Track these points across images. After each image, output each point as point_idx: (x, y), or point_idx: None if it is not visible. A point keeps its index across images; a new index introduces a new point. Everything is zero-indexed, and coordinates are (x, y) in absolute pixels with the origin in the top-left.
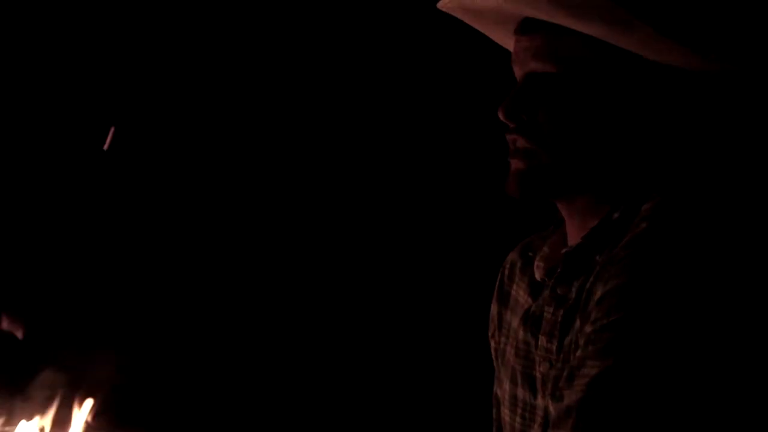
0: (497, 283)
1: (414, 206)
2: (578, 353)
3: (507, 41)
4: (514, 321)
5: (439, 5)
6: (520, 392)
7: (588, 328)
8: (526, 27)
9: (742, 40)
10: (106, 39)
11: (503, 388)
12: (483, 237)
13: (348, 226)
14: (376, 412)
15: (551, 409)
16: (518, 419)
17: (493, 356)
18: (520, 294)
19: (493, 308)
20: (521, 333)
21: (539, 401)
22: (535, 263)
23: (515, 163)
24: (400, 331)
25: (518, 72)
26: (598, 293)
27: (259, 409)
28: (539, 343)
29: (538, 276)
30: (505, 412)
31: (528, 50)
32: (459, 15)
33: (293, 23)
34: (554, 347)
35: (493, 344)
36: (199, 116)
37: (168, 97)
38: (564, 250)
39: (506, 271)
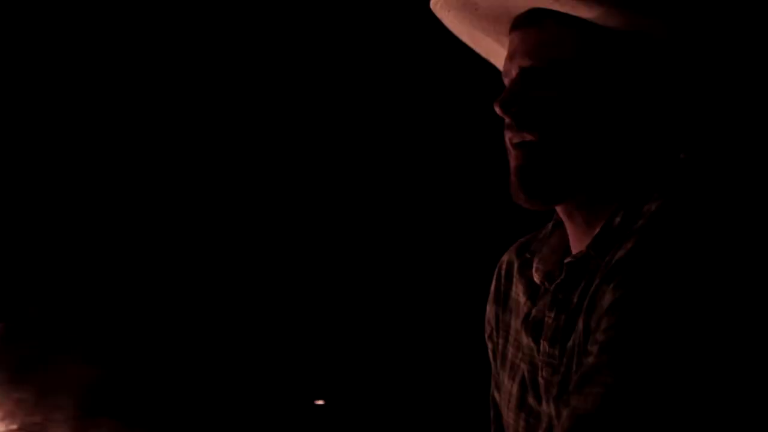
0: (493, 283)
1: (408, 208)
2: (590, 360)
3: (495, 49)
4: (515, 323)
5: (432, 4)
6: (529, 397)
7: (600, 336)
8: (519, 23)
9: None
10: (106, 39)
11: (505, 391)
12: (476, 237)
13: (343, 227)
14: (371, 412)
15: (555, 413)
16: (522, 423)
17: (491, 358)
18: (519, 295)
19: (490, 309)
20: (524, 338)
21: (543, 407)
22: (534, 266)
23: (514, 159)
24: (394, 332)
25: (513, 69)
26: (606, 299)
27: (255, 408)
28: (541, 348)
29: (537, 279)
30: (509, 416)
31: (521, 45)
32: (453, 15)
33: (293, 23)
34: (557, 352)
35: (490, 346)
36: (198, 116)
37: (166, 97)
38: (567, 260)
39: (503, 272)
